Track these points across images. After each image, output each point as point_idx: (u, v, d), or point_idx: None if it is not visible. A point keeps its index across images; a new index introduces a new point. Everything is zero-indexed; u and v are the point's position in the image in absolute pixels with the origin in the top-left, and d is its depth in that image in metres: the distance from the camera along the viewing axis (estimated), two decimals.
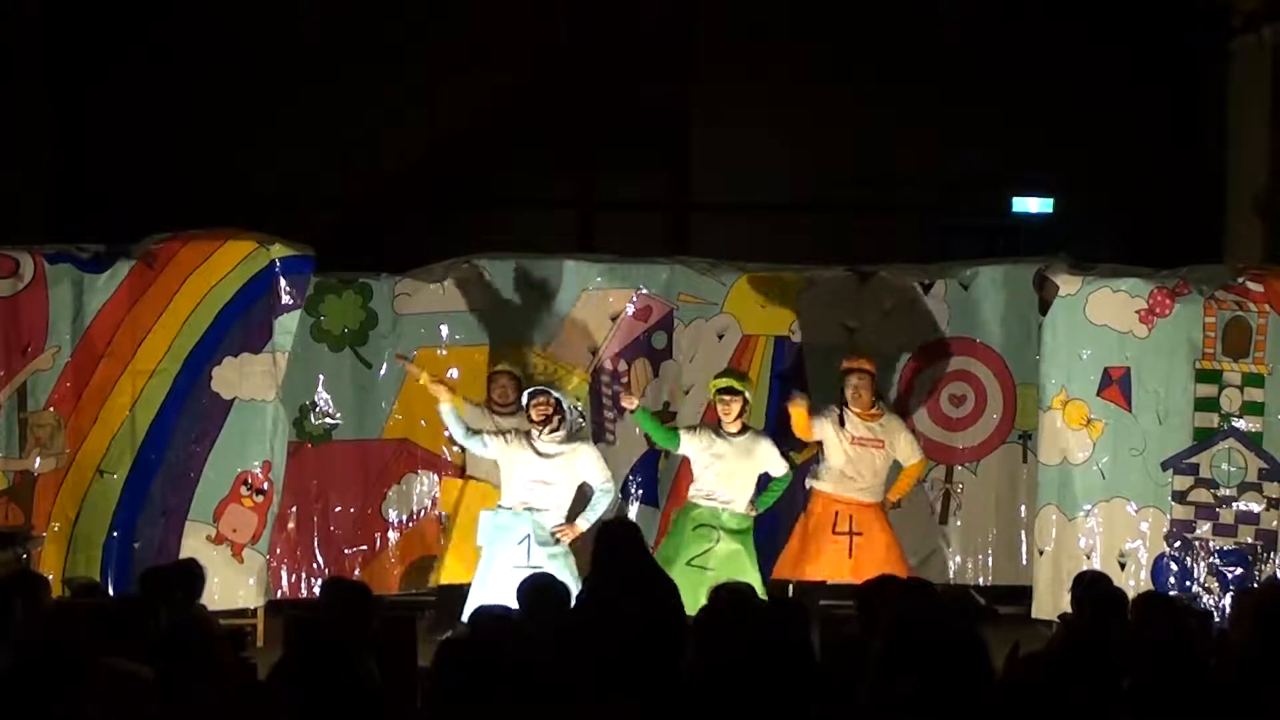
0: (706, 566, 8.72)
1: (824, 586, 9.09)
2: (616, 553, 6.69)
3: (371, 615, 6.31)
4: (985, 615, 9.36)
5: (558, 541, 8.74)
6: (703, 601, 8.49)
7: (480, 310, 9.74)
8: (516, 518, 8.72)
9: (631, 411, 9.21)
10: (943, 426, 9.89)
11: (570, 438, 8.87)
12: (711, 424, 9.14)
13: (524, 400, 8.82)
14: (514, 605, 7.96)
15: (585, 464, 8.85)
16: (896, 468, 9.29)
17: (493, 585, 8.52)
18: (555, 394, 8.82)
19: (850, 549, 9.10)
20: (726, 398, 8.93)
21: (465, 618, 8.55)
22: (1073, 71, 14.12)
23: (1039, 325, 9.30)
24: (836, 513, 9.17)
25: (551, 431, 8.72)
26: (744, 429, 9.00)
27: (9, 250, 9.06)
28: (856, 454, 9.14)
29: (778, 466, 9.07)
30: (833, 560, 9.12)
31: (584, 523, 8.80)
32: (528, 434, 8.77)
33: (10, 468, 8.97)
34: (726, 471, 8.93)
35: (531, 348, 9.79)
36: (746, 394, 9.00)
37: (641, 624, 6.20)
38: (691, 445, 9.01)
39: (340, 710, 4.93)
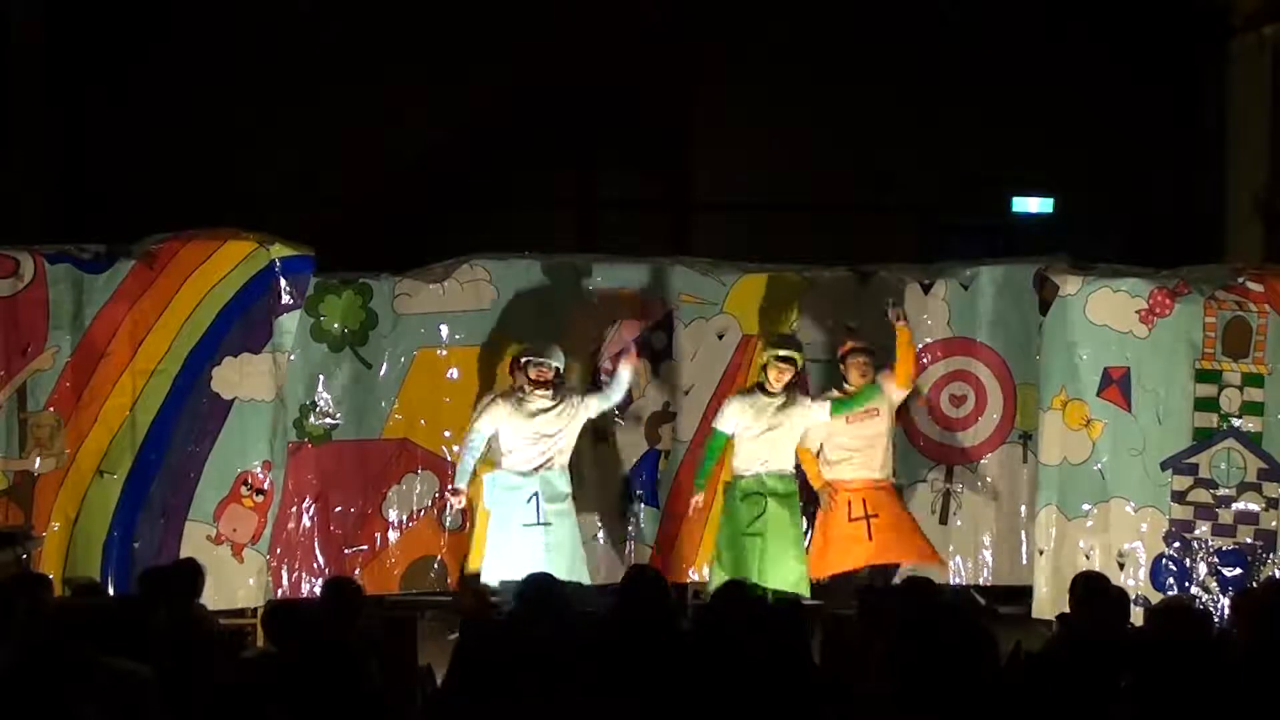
0: (760, 533, 8.96)
1: (855, 575, 9.24)
2: (639, 596, 6.45)
3: (359, 608, 6.33)
4: (985, 615, 9.35)
5: (565, 498, 8.93)
6: (757, 569, 8.75)
7: (480, 310, 9.73)
8: (524, 477, 8.91)
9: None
10: (943, 426, 9.88)
11: (558, 394, 9.04)
12: (753, 387, 9.25)
13: (520, 360, 9.02)
14: (525, 565, 7.97)
15: (581, 404, 9.07)
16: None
17: (505, 547, 8.75)
18: (555, 363, 8.97)
19: (869, 531, 9.20)
20: (781, 364, 9.07)
21: (485, 580, 8.69)
22: (1072, 71, 14.13)
23: (1039, 325, 9.31)
24: (850, 501, 9.25)
25: (543, 394, 8.92)
26: (784, 389, 9.12)
27: (9, 250, 9.05)
28: (856, 427, 9.25)
29: (822, 412, 9.18)
30: (853, 547, 9.21)
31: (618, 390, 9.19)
32: (514, 398, 8.95)
33: (10, 468, 8.96)
34: (766, 431, 9.05)
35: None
36: (799, 362, 9.14)
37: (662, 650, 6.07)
38: (735, 420, 9.14)
39: (340, 710, 4.93)
